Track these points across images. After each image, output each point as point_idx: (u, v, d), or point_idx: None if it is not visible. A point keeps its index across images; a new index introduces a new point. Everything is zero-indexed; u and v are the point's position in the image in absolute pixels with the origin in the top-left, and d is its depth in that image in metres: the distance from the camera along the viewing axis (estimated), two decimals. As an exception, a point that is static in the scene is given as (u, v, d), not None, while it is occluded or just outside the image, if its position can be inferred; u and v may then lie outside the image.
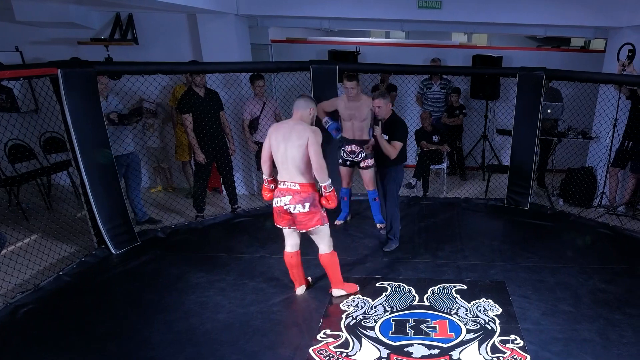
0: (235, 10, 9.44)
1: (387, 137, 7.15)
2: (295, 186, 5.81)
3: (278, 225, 6.18)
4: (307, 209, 5.84)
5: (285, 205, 5.87)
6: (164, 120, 10.10)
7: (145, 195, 9.76)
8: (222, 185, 9.51)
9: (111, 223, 7.55)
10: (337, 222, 8.66)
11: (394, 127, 7.22)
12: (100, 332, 5.69)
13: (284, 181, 5.87)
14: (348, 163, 8.20)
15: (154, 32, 9.79)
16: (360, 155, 8.07)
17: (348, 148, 8.08)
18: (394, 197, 7.57)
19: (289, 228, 6.15)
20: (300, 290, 6.54)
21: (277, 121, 9.22)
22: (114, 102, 8.25)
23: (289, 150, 5.71)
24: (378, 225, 8.54)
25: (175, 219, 8.95)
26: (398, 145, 7.14)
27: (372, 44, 13.83)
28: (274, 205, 6.00)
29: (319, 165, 5.68)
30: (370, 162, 8.00)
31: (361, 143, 7.98)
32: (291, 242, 6.29)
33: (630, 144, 9.14)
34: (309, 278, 6.74)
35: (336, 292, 6.43)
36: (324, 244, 6.18)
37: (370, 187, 8.29)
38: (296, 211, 5.85)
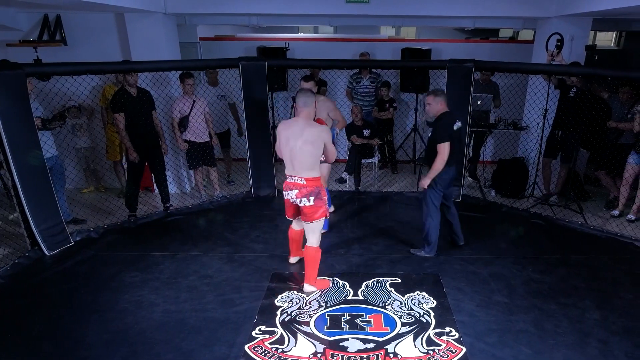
0: (163, 9, 9.41)
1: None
2: (301, 180, 6.17)
3: (287, 217, 6.73)
4: (312, 202, 6.19)
5: (292, 198, 6.28)
6: (90, 114, 10.00)
7: (77, 196, 9.72)
8: (154, 184, 9.50)
9: (44, 224, 7.47)
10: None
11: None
12: (36, 333, 5.65)
13: (291, 175, 6.25)
14: None
15: (82, 32, 9.72)
16: None
17: None
18: (427, 204, 7.28)
19: (295, 219, 6.73)
20: (293, 259, 7.17)
21: (207, 119, 9.41)
22: (38, 107, 8.14)
23: (300, 148, 6.06)
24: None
25: (107, 219, 8.86)
26: None
27: (301, 39, 14.02)
28: (284, 197, 6.42)
29: (333, 159, 6.51)
30: None
31: None
32: (298, 224, 6.84)
33: (560, 133, 9.34)
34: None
35: (307, 287, 6.50)
36: (314, 237, 6.41)
37: None
38: (302, 204, 6.23)
